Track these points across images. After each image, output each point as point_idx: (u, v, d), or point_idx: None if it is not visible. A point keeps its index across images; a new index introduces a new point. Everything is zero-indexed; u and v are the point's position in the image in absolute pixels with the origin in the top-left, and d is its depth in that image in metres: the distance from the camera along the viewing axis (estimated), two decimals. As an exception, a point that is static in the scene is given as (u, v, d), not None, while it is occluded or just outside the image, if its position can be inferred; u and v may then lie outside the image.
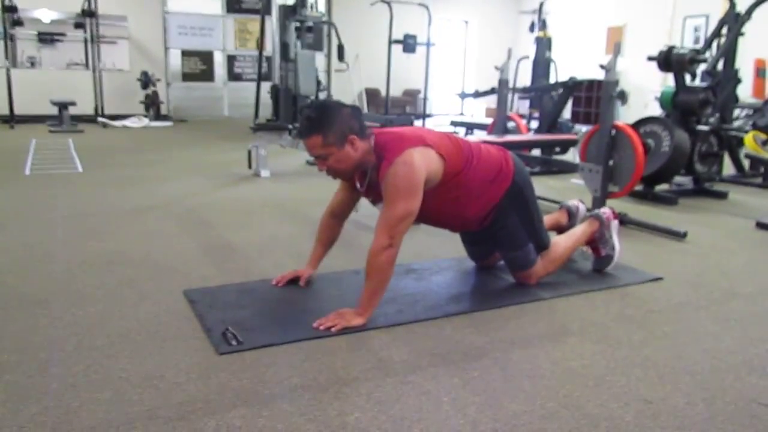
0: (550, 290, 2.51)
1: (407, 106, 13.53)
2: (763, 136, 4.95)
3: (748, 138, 4.86)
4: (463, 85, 14.21)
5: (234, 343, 1.92)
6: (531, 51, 10.93)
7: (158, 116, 9.73)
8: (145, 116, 9.61)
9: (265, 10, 9.29)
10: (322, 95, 8.84)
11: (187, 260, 2.81)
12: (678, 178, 4.93)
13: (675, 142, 4.33)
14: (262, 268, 2.72)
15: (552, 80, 9.45)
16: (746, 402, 1.68)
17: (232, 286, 2.46)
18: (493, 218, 2.43)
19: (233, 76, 11.39)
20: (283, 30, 8.46)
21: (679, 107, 4.55)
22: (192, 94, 10.95)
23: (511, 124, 4.70)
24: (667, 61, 4.49)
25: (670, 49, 4.49)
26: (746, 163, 5.82)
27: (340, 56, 8.59)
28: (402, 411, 1.57)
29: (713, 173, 4.88)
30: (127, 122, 9.20)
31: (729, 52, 5.29)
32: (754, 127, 3.99)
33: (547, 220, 2.94)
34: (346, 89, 11.84)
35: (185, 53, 10.75)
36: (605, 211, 2.77)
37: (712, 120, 5.01)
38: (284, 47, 8.26)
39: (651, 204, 4.44)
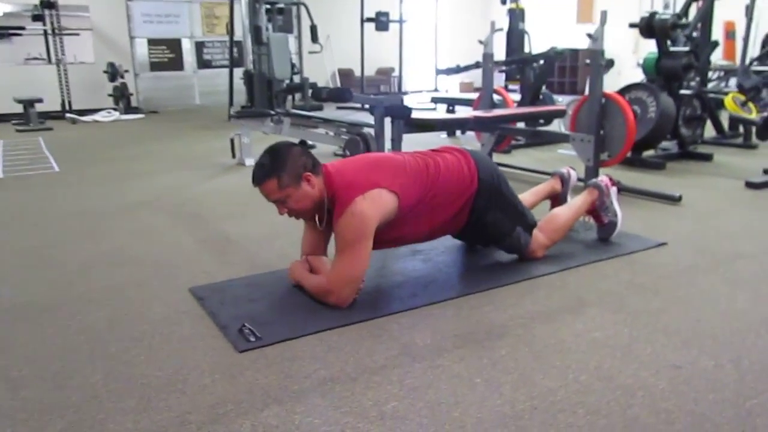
0: (559, 263, 2.51)
1: (381, 85, 13.42)
2: (742, 98, 5.01)
3: (728, 100, 4.90)
4: (436, 60, 14.12)
5: (252, 339, 1.87)
6: (503, 23, 10.87)
7: (129, 109, 9.49)
8: (115, 109, 9.36)
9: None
10: (297, 78, 8.71)
11: (187, 256, 2.75)
12: (663, 143, 4.96)
13: (661, 107, 4.34)
14: (266, 260, 2.67)
15: (526, 52, 9.41)
16: (772, 362, 1.70)
17: (238, 280, 2.41)
18: (468, 220, 2.38)
19: (203, 64, 11.14)
20: (253, 13, 8.28)
21: (663, 72, 4.57)
22: (161, 83, 10.69)
23: (497, 98, 4.67)
24: (649, 27, 4.49)
25: (653, 15, 4.49)
26: (726, 124, 5.89)
27: (314, 37, 8.43)
28: (437, 396, 1.55)
29: (697, 136, 4.93)
30: (97, 116, 8.96)
31: (706, 17, 5.31)
32: (740, 88, 4.02)
33: (542, 188, 2.94)
34: (319, 71, 11.69)
35: (152, 42, 10.46)
36: (603, 179, 2.77)
37: (692, 84, 5.05)
38: (256, 31, 8.09)
39: (640, 170, 4.46)
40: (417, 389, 1.59)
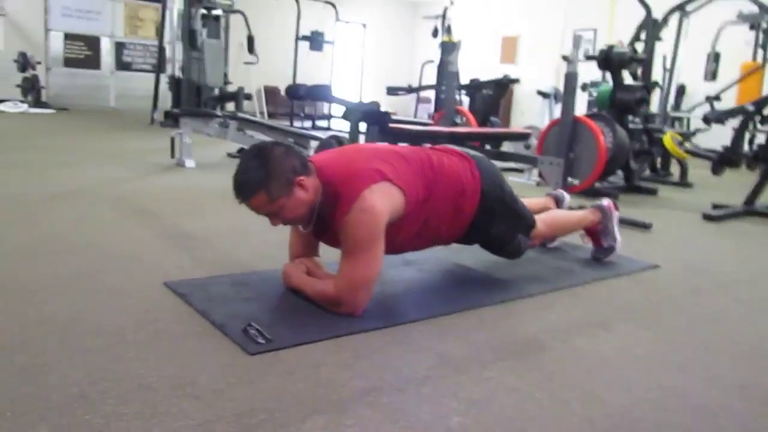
0: (563, 279, 2.37)
1: (306, 107, 13.17)
2: (678, 137, 5.22)
3: (667, 138, 5.09)
4: (360, 86, 14.08)
5: (261, 341, 1.57)
6: (431, 55, 11.01)
7: (38, 103, 8.68)
8: (23, 102, 8.54)
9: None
10: (230, 88, 8.29)
11: (148, 249, 2.38)
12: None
13: (617, 138, 4.40)
14: (244, 260, 2.35)
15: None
16: (829, 382, 1.61)
17: (221, 278, 2.08)
18: (467, 232, 2.18)
19: (122, 65, 10.50)
20: (188, 17, 7.86)
21: (617, 105, 4.65)
22: (75, 81, 9.94)
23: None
24: (607, 59, 4.57)
25: (611, 48, 4.59)
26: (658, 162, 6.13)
27: (250, 48, 8.12)
28: (503, 411, 1.33)
29: (643, 170, 5.06)
30: (2, 107, 8.13)
31: (649, 56, 5.54)
32: (704, 121, 4.16)
33: (535, 203, 2.80)
34: (246, 86, 11.29)
35: (68, 37, 9.74)
36: (606, 202, 2.69)
37: (636, 119, 5.19)
38: (191, 35, 7.67)
39: (593, 199, 4.47)
40: (477, 403, 1.36)
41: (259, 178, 1.75)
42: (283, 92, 12.54)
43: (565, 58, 3.70)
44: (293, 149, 1.88)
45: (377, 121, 3.27)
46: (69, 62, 9.80)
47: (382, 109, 3.31)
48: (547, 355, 1.65)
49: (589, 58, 4.80)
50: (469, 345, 1.68)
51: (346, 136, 3.30)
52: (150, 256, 2.29)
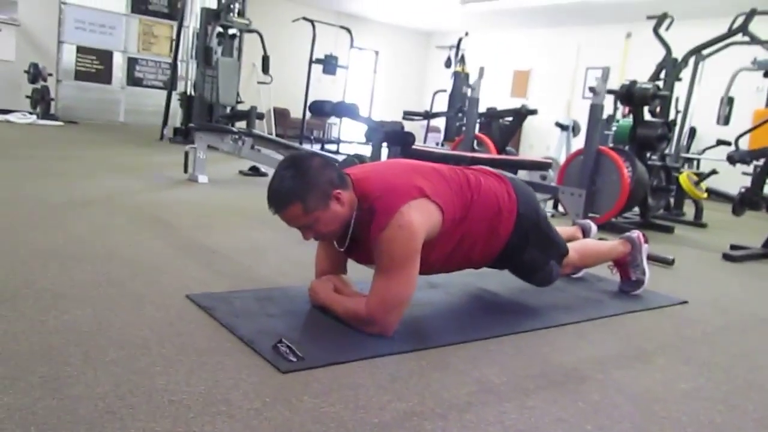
0: (594, 309, 2.30)
1: (315, 130, 13.20)
2: (695, 177, 5.18)
3: (683, 178, 5.05)
4: (369, 112, 14.13)
5: (293, 359, 1.50)
6: (442, 84, 11.05)
7: (46, 115, 8.65)
8: (32, 113, 8.52)
9: (181, 15, 8.70)
10: (242, 107, 8.28)
11: (166, 261, 2.31)
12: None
13: (637, 174, 4.36)
14: (265, 276, 2.28)
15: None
16: None
17: (244, 293, 2.01)
18: (500, 255, 2.11)
19: (133, 81, 10.49)
20: (204, 34, 7.90)
21: (638, 141, 4.61)
22: (85, 94, 9.92)
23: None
24: (629, 94, 4.55)
25: (633, 83, 4.57)
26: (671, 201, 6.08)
27: (265, 68, 8.13)
28: (554, 443, 1.25)
29: (660, 207, 5.00)
30: (10, 117, 8.10)
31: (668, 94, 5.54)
32: (729, 160, 4.12)
33: (563, 232, 2.75)
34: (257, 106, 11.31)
35: (81, 50, 9.74)
36: (636, 234, 2.63)
37: (654, 156, 5.16)
38: (206, 52, 7.69)
39: (610, 233, 4.42)
40: (525, 433, 1.28)
41: (295, 189, 1.69)
42: (293, 114, 12.63)
43: (591, 89, 3.67)
44: (330, 161, 1.84)
45: (400, 142, 3.23)
46: (80, 75, 9.80)
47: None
48: (588, 386, 1.58)
49: (610, 92, 4.77)
50: (507, 372, 1.60)
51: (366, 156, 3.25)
52: (169, 267, 2.22)
